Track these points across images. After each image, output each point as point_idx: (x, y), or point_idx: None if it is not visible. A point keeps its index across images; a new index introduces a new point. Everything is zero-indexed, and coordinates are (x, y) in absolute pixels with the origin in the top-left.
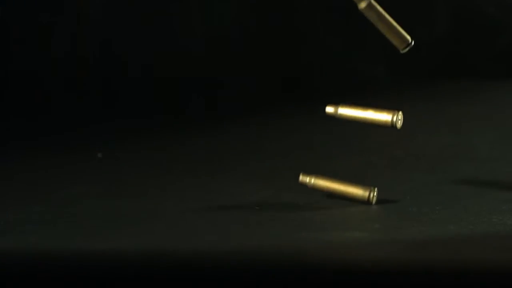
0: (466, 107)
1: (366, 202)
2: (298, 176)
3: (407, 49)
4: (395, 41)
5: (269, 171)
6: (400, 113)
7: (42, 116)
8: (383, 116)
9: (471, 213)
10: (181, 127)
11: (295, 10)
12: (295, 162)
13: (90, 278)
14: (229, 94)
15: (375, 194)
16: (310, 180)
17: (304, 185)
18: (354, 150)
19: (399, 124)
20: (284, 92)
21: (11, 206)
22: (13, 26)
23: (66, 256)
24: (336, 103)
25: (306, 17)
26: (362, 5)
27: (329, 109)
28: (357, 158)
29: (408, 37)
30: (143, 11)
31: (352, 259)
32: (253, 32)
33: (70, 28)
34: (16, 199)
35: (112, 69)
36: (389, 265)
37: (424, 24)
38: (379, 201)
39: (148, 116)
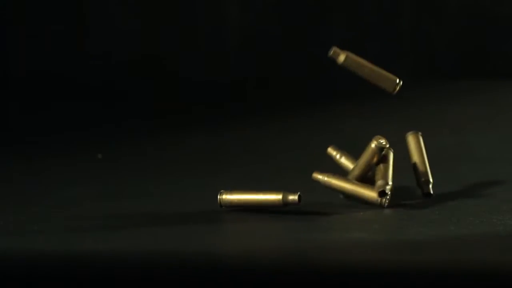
0: (466, 108)
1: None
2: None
3: (397, 88)
4: (383, 85)
5: (269, 171)
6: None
7: (42, 116)
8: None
9: (471, 213)
10: (181, 127)
11: (294, 10)
12: (295, 162)
13: (90, 279)
14: (229, 94)
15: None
16: (323, 178)
17: (309, 183)
18: (353, 150)
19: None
20: (285, 92)
21: (11, 207)
22: (14, 26)
23: (66, 257)
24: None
25: (307, 18)
26: (341, 58)
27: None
28: (357, 158)
29: (395, 78)
30: (142, 12)
31: (352, 260)
32: (253, 32)
33: (71, 28)
34: (16, 199)
35: (112, 70)
36: (389, 265)
37: (425, 24)
38: None
39: (148, 116)
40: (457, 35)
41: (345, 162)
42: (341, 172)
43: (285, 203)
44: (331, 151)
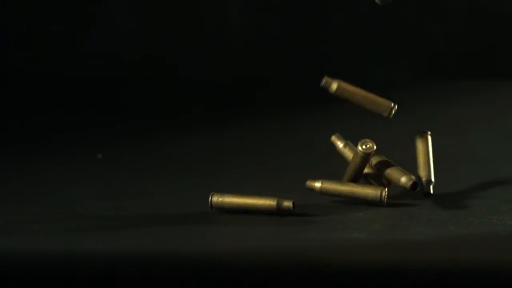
0: (466, 108)
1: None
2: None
3: (393, 112)
4: (378, 110)
5: (269, 172)
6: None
7: (42, 116)
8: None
9: (471, 213)
10: (181, 127)
11: (294, 10)
12: (295, 162)
13: (90, 279)
14: (229, 94)
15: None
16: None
17: (306, 187)
18: None
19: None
20: (285, 92)
21: (11, 207)
22: (13, 26)
23: (66, 257)
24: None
25: (307, 18)
26: (333, 87)
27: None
28: None
29: (390, 102)
30: (142, 12)
31: (351, 260)
32: (253, 32)
33: (71, 28)
34: (16, 199)
35: (112, 70)
36: (389, 265)
37: (425, 24)
38: None
39: (148, 116)
40: (457, 35)
41: (349, 153)
42: (340, 168)
43: (279, 209)
44: (335, 139)
